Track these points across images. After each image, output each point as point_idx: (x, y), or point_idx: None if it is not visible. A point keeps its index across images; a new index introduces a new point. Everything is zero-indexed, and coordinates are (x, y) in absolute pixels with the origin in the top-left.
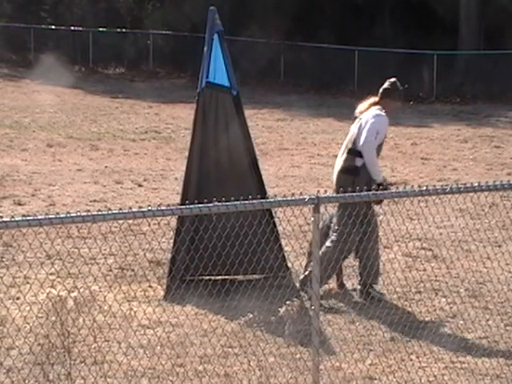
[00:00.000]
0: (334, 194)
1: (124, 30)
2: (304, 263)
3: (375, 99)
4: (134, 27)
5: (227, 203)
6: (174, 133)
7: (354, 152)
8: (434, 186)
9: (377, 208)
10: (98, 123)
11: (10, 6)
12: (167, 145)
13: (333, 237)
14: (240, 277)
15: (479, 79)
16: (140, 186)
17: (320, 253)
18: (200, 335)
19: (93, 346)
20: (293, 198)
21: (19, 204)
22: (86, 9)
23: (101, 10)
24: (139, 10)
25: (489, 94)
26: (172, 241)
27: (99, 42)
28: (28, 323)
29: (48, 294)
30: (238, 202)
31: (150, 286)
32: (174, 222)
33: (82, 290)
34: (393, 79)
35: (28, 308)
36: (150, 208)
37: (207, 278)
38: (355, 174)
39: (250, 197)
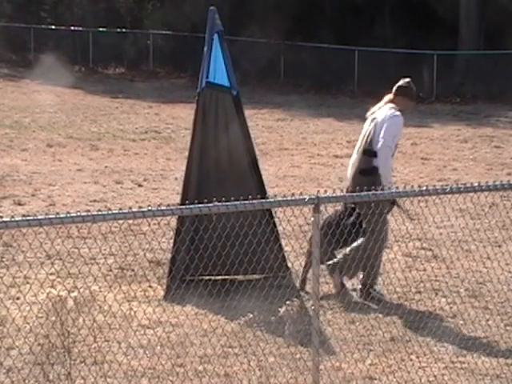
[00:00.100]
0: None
1: (124, 30)
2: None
3: (390, 97)
4: (134, 27)
5: (227, 203)
6: (173, 133)
7: (370, 153)
8: (434, 185)
9: (388, 216)
10: (98, 123)
11: (10, 6)
12: (167, 145)
13: (364, 237)
14: (240, 277)
15: (479, 79)
16: (140, 186)
17: (353, 252)
18: (200, 335)
19: (93, 346)
20: (293, 198)
21: (19, 204)
22: (86, 9)
23: (101, 10)
24: (139, 10)
25: (489, 94)
26: (172, 241)
27: (99, 42)
28: (28, 323)
29: (48, 294)
30: (238, 202)
31: (150, 286)
32: (174, 222)
33: (82, 290)
34: (408, 78)
35: (28, 308)
36: (150, 208)
37: (207, 277)
38: (374, 174)
39: (250, 197)
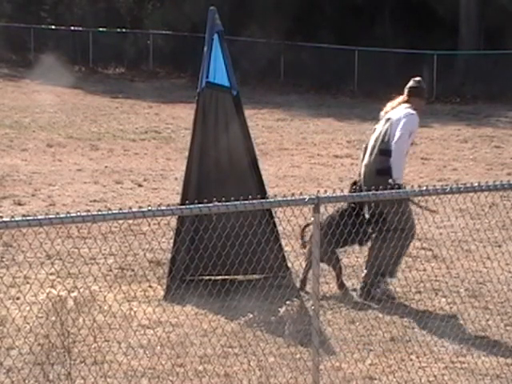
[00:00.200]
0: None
1: (124, 30)
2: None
3: (404, 98)
4: (134, 27)
5: (227, 203)
6: (174, 133)
7: (386, 152)
8: (434, 185)
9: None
10: (98, 123)
11: (10, 6)
12: (167, 145)
13: (389, 234)
14: (240, 277)
15: (479, 79)
16: (140, 186)
17: (378, 249)
18: (200, 335)
19: (93, 346)
20: (293, 198)
21: (19, 204)
22: (86, 9)
23: (101, 10)
24: (139, 9)
25: (489, 94)
26: (172, 241)
27: (99, 42)
28: (28, 323)
29: (48, 294)
30: (238, 202)
31: (150, 286)
32: (174, 222)
33: (82, 290)
34: (418, 78)
35: (28, 308)
36: (150, 208)
37: (207, 277)
38: (391, 173)
39: (250, 197)
